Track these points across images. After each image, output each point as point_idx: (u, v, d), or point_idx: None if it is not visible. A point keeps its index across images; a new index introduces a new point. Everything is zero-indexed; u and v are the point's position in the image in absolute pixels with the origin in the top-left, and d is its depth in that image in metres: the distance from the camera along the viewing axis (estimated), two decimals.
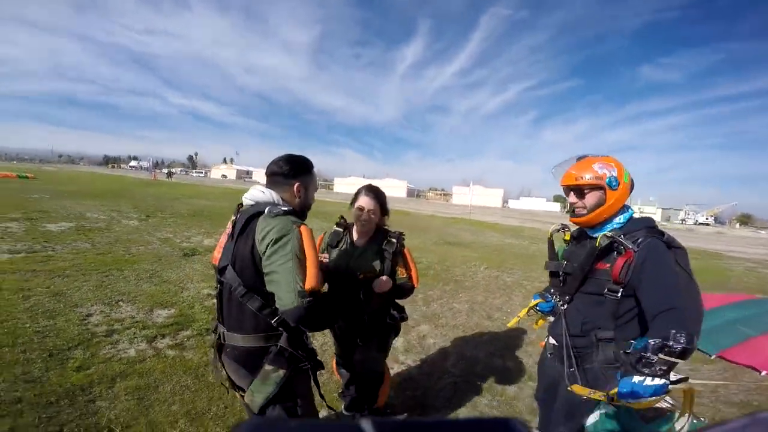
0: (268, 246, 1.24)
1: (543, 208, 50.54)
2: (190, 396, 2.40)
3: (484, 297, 5.36)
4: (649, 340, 1.22)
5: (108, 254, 5.76)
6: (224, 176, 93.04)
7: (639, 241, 1.41)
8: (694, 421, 1.30)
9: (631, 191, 1.57)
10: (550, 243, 1.84)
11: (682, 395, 1.27)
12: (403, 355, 3.32)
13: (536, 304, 1.83)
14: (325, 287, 1.98)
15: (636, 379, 1.19)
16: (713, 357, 2.14)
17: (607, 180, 1.48)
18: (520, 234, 14.90)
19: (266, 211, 1.29)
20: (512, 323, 1.90)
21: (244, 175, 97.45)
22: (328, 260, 2.00)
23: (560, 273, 1.68)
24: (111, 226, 8.17)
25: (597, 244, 1.49)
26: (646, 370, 1.19)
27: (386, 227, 2.09)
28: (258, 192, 1.41)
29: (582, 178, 1.51)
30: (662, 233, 1.47)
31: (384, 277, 1.87)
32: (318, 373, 1.46)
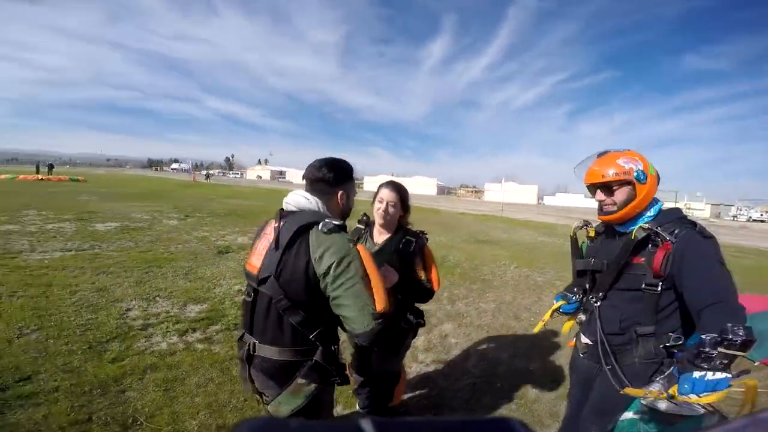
0: (330, 268, 1.21)
1: (580, 205, 48.53)
2: (214, 388, 2.50)
3: (512, 297, 5.21)
4: (704, 335, 1.18)
5: (149, 252, 6.10)
6: (259, 177, 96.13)
7: (675, 232, 1.39)
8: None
9: (657, 183, 1.52)
10: (574, 241, 1.80)
11: (744, 390, 1.23)
12: (422, 354, 3.29)
13: (559, 306, 1.78)
14: None
15: (697, 374, 1.16)
16: (757, 363, 1.97)
17: (635, 174, 1.45)
18: (554, 231, 14.35)
19: (320, 226, 1.25)
20: (537, 328, 1.83)
21: (278, 175, 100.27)
22: None
23: (589, 271, 1.65)
24: (153, 225, 8.66)
25: (632, 237, 1.46)
26: (705, 365, 1.16)
27: (409, 226, 2.05)
28: (302, 198, 1.38)
29: (609, 174, 1.48)
30: (695, 224, 1.44)
31: (389, 267, 1.79)
32: None
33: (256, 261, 1.36)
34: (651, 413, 1.39)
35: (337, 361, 1.38)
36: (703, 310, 1.27)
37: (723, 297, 1.26)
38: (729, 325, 1.15)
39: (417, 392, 2.70)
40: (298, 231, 1.27)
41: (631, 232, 1.48)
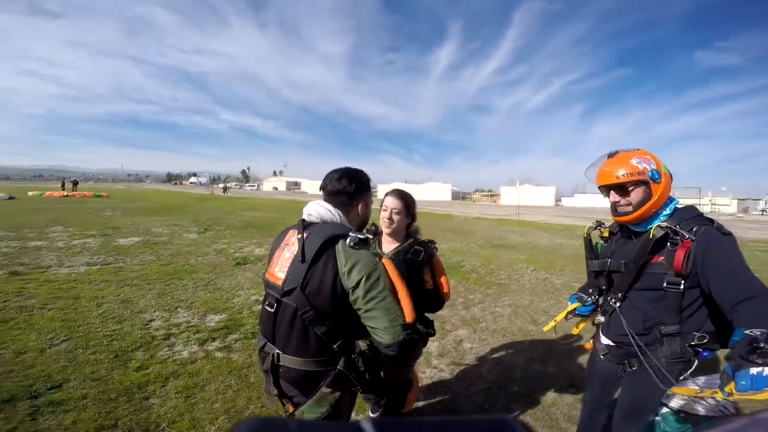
0: (360, 283, 1.25)
1: (599, 205, 47.43)
2: (232, 395, 2.57)
3: (529, 300, 5.15)
4: (752, 331, 1.16)
5: (170, 265, 6.30)
6: (275, 188, 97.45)
7: (694, 229, 1.38)
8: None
9: (671, 182, 1.52)
10: (588, 242, 1.79)
11: None
12: (436, 360, 3.29)
13: (574, 308, 1.77)
14: None
15: (754, 370, 1.14)
16: None
17: (650, 173, 1.44)
18: (573, 233, 14.09)
19: (347, 240, 1.28)
20: (548, 327, 1.83)
21: (293, 186, 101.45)
22: None
23: (605, 271, 1.64)
24: (173, 239, 8.92)
25: (651, 237, 1.44)
26: (760, 360, 1.15)
27: (418, 235, 2.03)
28: (325, 211, 1.40)
29: (623, 175, 1.46)
30: (712, 221, 1.43)
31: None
32: None
33: (279, 272, 1.36)
34: (676, 415, 1.38)
35: (357, 369, 1.40)
36: (737, 305, 1.25)
37: (756, 291, 1.25)
38: None
39: (430, 397, 2.71)
40: (325, 244, 1.29)
41: (649, 231, 1.47)
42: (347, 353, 1.37)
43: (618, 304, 1.58)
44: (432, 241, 1.99)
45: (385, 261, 1.36)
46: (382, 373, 1.78)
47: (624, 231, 1.63)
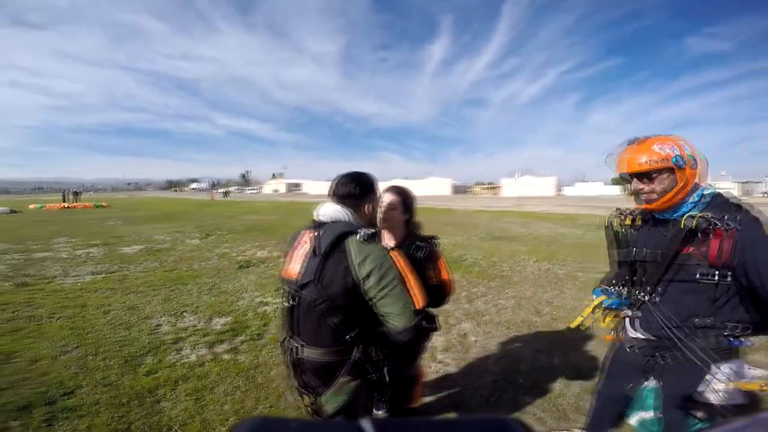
0: (371, 272, 1.33)
1: (601, 193, 47.28)
2: (240, 396, 2.61)
3: (532, 292, 5.17)
4: None
5: (173, 271, 6.35)
6: (276, 190, 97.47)
7: (728, 218, 1.31)
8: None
9: (700, 167, 1.44)
10: (611, 230, 1.72)
11: None
12: (441, 354, 3.31)
13: (601, 302, 1.69)
14: None
15: None
16: None
17: (674, 159, 1.38)
18: (575, 222, 14.09)
19: (358, 235, 1.37)
20: (575, 323, 1.75)
21: (293, 188, 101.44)
22: None
23: (631, 261, 1.59)
24: (175, 245, 8.97)
25: (682, 227, 1.38)
26: None
27: (419, 231, 2.03)
28: (336, 212, 1.49)
29: (647, 162, 1.41)
30: (740, 206, 1.37)
31: None
32: None
33: (294, 268, 1.46)
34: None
35: (371, 359, 1.48)
36: None
37: None
38: None
39: (437, 392, 2.73)
40: (338, 238, 1.38)
41: (679, 221, 1.41)
42: (365, 343, 1.44)
43: (648, 298, 1.52)
44: (434, 237, 1.99)
45: (394, 253, 1.43)
46: (386, 369, 1.81)
47: (650, 219, 1.57)
